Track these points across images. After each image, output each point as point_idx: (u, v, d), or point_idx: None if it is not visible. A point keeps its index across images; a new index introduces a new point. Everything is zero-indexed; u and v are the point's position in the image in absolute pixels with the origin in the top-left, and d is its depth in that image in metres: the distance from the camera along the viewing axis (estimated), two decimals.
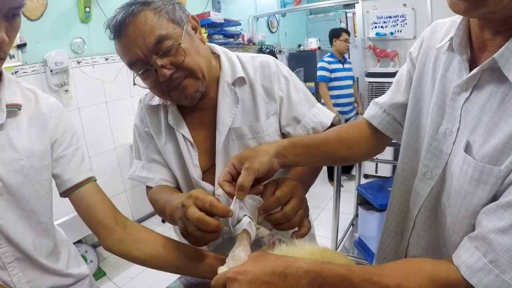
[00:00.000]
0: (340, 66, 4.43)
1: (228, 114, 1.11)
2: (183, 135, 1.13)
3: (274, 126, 1.14)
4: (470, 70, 0.72)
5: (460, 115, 0.74)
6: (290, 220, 0.84)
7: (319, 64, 4.45)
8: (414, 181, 0.86)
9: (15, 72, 2.71)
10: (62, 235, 1.09)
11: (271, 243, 0.90)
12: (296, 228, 0.87)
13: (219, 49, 1.18)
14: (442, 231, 0.81)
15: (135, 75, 1.02)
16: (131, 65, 1.00)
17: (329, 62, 4.42)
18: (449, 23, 0.85)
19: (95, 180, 1.02)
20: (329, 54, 4.54)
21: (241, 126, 1.11)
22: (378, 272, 0.62)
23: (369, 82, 4.36)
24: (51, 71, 2.90)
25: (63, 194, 0.98)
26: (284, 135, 1.17)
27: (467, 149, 0.71)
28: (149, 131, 1.20)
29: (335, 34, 4.57)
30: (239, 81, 1.13)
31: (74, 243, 2.83)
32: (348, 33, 4.62)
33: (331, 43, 4.60)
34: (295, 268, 0.61)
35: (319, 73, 4.42)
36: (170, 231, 1.46)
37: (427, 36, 0.90)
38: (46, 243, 0.96)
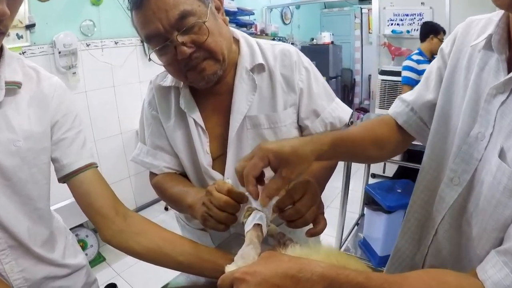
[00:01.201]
0: (427, 66, 3.92)
1: (244, 101, 1.06)
2: (194, 120, 1.08)
3: (291, 118, 1.09)
4: (509, 71, 0.67)
5: (495, 119, 0.68)
6: (303, 216, 0.82)
7: (406, 63, 3.78)
8: (440, 186, 0.80)
9: (23, 53, 2.66)
10: (59, 223, 1.04)
11: (282, 242, 0.86)
12: (311, 225, 0.84)
13: (238, 33, 1.13)
14: (465, 242, 0.75)
15: (151, 50, 0.96)
16: (149, 39, 0.94)
17: (418, 62, 3.69)
18: (485, 20, 0.79)
19: (97, 167, 0.97)
20: (417, 51, 3.79)
21: (258, 115, 1.06)
22: (398, 282, 0.57)
23: (382, 80, 4.28)
24: (59, 53, 2.85)
25: (62, 179, 0.93)
26: (301, 127, 1.13)
27: (501, 155, 0.65)
28: (157, 114, 1.15)
29: (433, 30, 3.69)
30: (258, 68, 1.08)
31: (75, 227, 2.84)
32: (444, 33, 3.74)
33: (423, 39, 3.76)
34: (309, 271, 0.56)
35: (405, 73, 3.74)
36: (173, 220, 1.41)
37: (461, 32, 0.83)
38: (41, 231, 0.91)
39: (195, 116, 1.08)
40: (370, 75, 5.98)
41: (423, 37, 3.76)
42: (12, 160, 0.81)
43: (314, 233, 0.84)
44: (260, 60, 1.07)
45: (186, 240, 0.93)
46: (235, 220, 0.86)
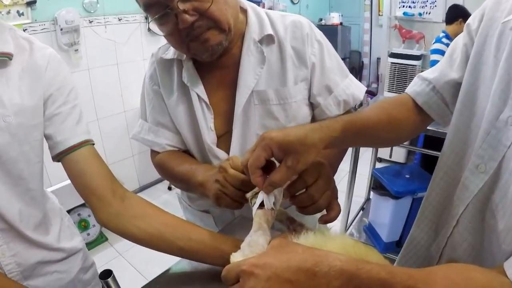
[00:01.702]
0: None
1: (251, 74, 0.99)
2: (198, 94, 1.02)
3: (302, 93, 1.02)
4: None
5: None
6: (316, 202, 0.75)
7: (435, 46, 3.52)
8: (463, 174, 0.73)
9: (24, 30, 2.59)
10: (54, 204, 0.99)
11: (292, 228, 0.80)
12: (324, 212, 0.78)
13: (246, 3, 1.05)
14: (489, 235, 0.69)
15: (151, 19, 0.89)
16: (148, 7, 0.87)
17: (447, 45, 3.25)
18: None
19: (93, 144, 0.90)
20: (444, 35, 3.53)
21: (266, 90, 1.00)
22: (422, 279, 0.50)
23: (392, 62, 4.15)
24: (61, 30, 2.78)
25: (56, 157, 0.87)
26: (312, 104, 1.06)
27: None
28: (158, 89, 1.08)
29: (462, 13, 3.41)
30: (267, 40, 1.01)
31: (77, 207, 2.82)
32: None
33: (451, 21, 3.51)
34: (326, 265, 0.50)
35: (435, 57, 3.43)
36: (176, 200, 1.36)
37: (490, 7, 0.75)
38: (34, 213, 0.86)
39: (199, 90, 1.02)
40: (379, 58, 5.86)
41: (451, 20, 3.57)
42: (2, 137, 0.76)
43: (328, 220, 0.78)
44: (269, 31, 1.00)
45: (188, 224, 0.88)
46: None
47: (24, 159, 0.81)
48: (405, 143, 3.15)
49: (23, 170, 0.81)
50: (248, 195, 0.79)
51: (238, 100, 0.99)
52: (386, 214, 2.49)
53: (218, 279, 0.61)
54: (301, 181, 0.74)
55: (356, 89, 1.07)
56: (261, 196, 0.72)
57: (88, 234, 2.87)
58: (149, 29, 0.92)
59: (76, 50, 2.93)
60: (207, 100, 1.02)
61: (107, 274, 0.72)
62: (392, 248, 2.60)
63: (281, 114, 1.02)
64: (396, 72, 4.07)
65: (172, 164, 1.06)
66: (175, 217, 0.87)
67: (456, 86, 0.82)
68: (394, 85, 4.03)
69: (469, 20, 0.80)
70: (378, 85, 4.81)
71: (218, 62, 1.00)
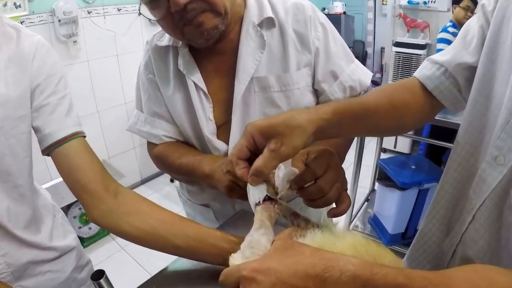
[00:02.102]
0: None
1: (251, 60, 0.94)
2: (194, 83, 0.97)
3: (305, 80, 0.97)
4: None
5: None
6: (326, 195, 0.70)
7: (441, 36, 3.45)
8: (480, 166, 0.68)
9: (21, 22, 2.53)
10: (46, 200, 0.95)
11: (296, 224, 0.75)
12: (334, 205, 0.73)
13: None
14: (506, 232, 0.64)
15: (141, 2, 0.85)
16: None
17: (454, 34, 3.27)
18: None
19: (84, 137, 0.85)
20: (451, 24, 3.47)
21: (267, 76, 0.94)
22: (443, 282, 0.46)
23: (396, 52, 4.09)
24: (59, 21, 2.72)
25: (45, 151, 0.82)
26: (316, 91, 1.01)
27: None
28: (154, 78, 1.03)
29: None
30: (267, 23, 0.96)
31: (78, 201, 2.80)
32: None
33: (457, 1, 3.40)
34: (338, 270, 0.45)
35: (441, 46, 3.35)
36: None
37: None
38: (23, 211, 0.82)
39: (195, 78, 0.96)
40: (382, 48, 5.79)
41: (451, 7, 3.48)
42: None
43: (337, 213, 0.73)
44: (269, 13, 0.95)
45: (185, 221, 0.83)
46: None
47: (11, 154, 0.76)
48: (409, 132, 3.11)
49: (11, 165, 0.77)
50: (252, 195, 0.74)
51: (237, 88, 0.94)
52: (391, 206, 2.45)
53: (218, 279, 0.57)
54: (310, 172, 0.69)
55: (362, 74, 1.02)
56: (251, 191, 0.66)
57: (90, 228, 2.84)
58: (139, 13, 0.87)
59: (75, 41, 2.87)
60: (205, 88, 0.97)
61: (99, 274, 0.68)
62: (398, 240, 2.57)
63: (283, 102, 0.96)
64: (400, 62, 4.02)
65: (173, 156, 1.01)
66: (172, 214, 0.83)
67: (470, 70, 0.76)
68: (399, 75, 3.98)
69: (484, 1, 0.75)
70: (382, 75, 4.73)
71: (215, 48, 0.94)
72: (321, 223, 0.75)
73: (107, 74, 3.20)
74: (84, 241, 2.80)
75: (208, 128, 0.98)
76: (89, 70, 3.04)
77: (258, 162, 0.60)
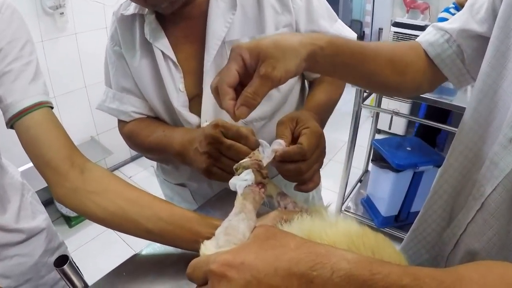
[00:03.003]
0: None
1: (221, 22, 0.86)
2: (162, 52, 0.89)
3: None
4: None
5: None
6: (302, 175, 0.67)
7: (442, 15, 3.32)
8: (492, 149, 0.61)
9: None
10: (14, 179, 0.87)
11: (283, 206, 0.69)
12: None
13: None
14: None
15: None
16: None
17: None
18: None
19: (51, 107, 0.77)
20: (453, 6, 3.41)
21: (240, 39, 0.87)
22: (455, 283, 0.38)
23: (395, 32, 4.00)
24: None
25: (8, 123, 0.74)
26: None
27: None
28: (120, 50, 0.96)
29: None
30: None
31: None
32: None
33: None
34: (329, 268, 0.36)
35: None
36: None
37: None
38: None
39: (162, 45, 0.89)
40: (380, 29, 5.69)
41: None
42: None
43: (304, 190, 0.71)
44: None
45: (158, 202, 0.74)
46: None
47: None
48: (405, 112, 3.03)
49: None
50: (236, 166, 0.66)
51: (208, 53, 0.87)
52: (385, 188, 2.41)
53: None
54: (300, 153, 0.65)
55: (348, 34, 0.96)
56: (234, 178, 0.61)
57: None
58: None
59: (62, 13, 2.73)
60: (173, 57, 0.89)
61: (62, 260, 0.61)
62: (390, 222, 2.54)
63: None
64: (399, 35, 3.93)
65: (142, 134, 0.94)
66: (144, 193, 0.75)
67: (477, 39, 0.68)
68: None
69: None
70: None
71: (183, 13, 0.87)
72: (310, 205, 0.69)
73: (96, 47, 3.04)
74: (72, 221, 2.73)
75: (179, 100, 0.91)
76: (77, 44, 2.91)
77: (249, 89, 0.54)
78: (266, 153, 0.66)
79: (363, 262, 0.37)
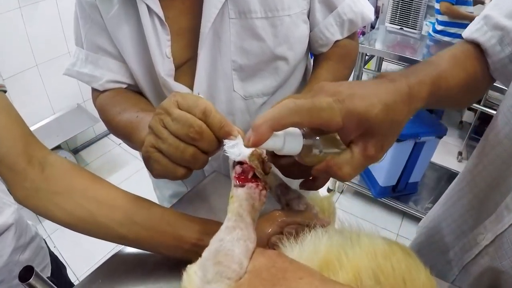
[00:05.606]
0: None
1: None
2: (147, 5, 0.70)
3: (301, 6, 0.75)
4: None
5: None
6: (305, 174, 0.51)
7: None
8: None
9: None
10: None
11: (284, 202, 0.57)
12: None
13: None
14: None
15: None
16: None
17: None
18: None
19: (4, 91, 0.64)
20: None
21: None
22: None
23: None
24: None
25: None
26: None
27: None
28: (94, 1, 0.75)
29: None
30: None
31: (52, 149, 2.65)
32: None
33: None
34: None
35: None
36: None
37: None
38: None
39: (149, 0, 0.70)
40: None
41: None
42: None
43: (311, 187, 0.53)
44: None
45: (132, 202, 0.61)
46: (204, 164, 0.50)
47: None
48: None
49: None
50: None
51: (206, 13, 0.70)
52: (385, 158, 2.33)
53: (178, 268, 0.41)
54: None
55: (366, 7, 0.82)
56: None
57: None
58: None
59: None
60: (161, 13, 0.71)
61: (27, 272, 0.52)
62: (388, 192, 2.50)
63: (267, 33, 0.73)
64: (399, 4, 3.75)
65: (113, 110, 0.75)
66: (114, 191, 0.62)
67: None
68: (397, 17, 3.74)
69: None
70: (377, 17, 4.46)
71: None
72: (317, 200, 0.59)
73: None
74: None
75: (164, 67, 0.75)
76: (58, 7, 2.72)
77: (347, 170, 0.41)
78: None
79: None
